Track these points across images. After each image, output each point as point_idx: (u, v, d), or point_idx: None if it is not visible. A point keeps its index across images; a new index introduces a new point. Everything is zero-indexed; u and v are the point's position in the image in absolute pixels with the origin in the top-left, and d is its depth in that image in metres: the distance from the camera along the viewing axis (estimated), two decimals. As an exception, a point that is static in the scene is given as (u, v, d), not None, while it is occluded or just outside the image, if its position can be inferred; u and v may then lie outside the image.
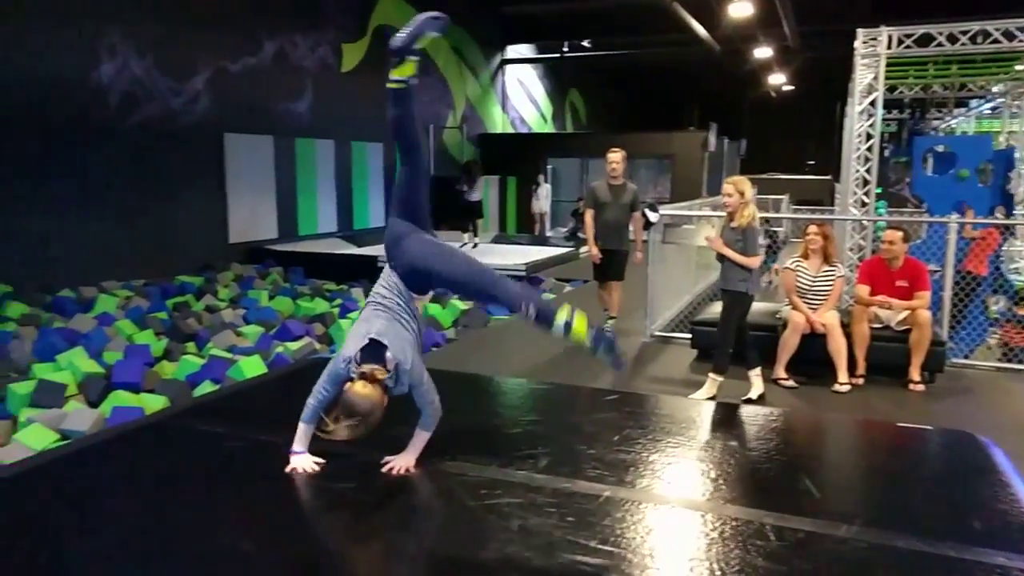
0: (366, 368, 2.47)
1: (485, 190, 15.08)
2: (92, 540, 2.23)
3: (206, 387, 5.53)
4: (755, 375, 4.86)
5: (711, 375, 4.84)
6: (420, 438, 2.68)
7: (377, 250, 11.55)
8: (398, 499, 2.57)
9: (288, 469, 2.63)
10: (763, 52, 19.23)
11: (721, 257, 4.78)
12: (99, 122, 9.55)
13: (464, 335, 7.43)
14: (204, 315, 8.01)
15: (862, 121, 7.40)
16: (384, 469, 2.63)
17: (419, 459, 2.68)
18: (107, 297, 8.50)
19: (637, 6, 16.21)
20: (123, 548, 2.19)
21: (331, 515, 2.51)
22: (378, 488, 2.54)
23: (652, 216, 6.10)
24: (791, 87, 26.62)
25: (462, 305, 8.59)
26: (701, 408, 3.78)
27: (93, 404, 5.31)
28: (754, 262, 4.65)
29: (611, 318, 6.53)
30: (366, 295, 3.12)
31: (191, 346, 6.90)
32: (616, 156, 6.30)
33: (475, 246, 11.88)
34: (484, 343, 6.73)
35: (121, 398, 5.22)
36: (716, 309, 5.29)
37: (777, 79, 24.31)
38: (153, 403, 5.17)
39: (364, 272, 10.27)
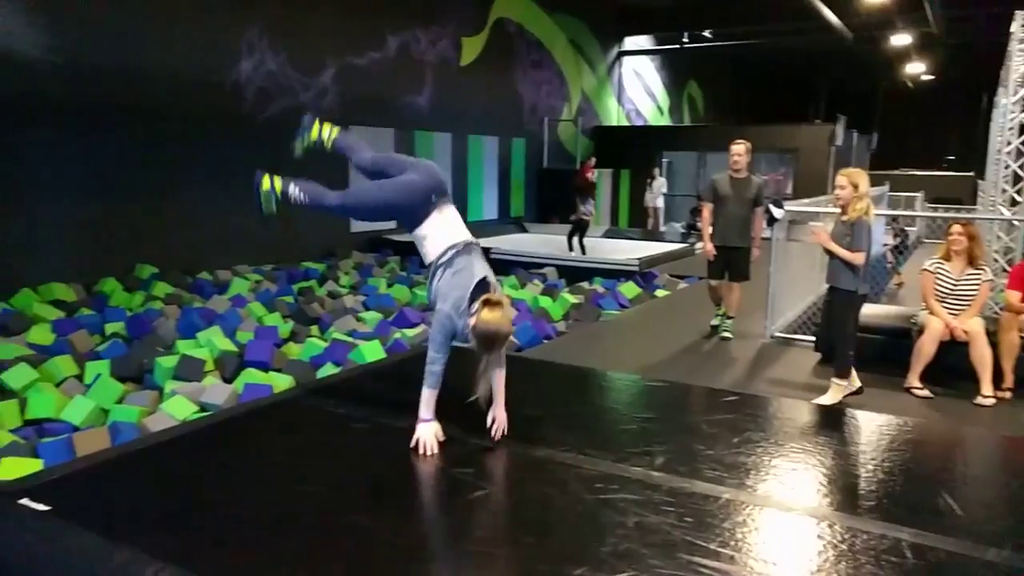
0: (489, 297, 2.65)
1: (599, 186, 14.95)
2: (230, 505, 2.38)
3: (328, 369, 5.79)
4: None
5: (834, 380, 4.60)
6: (500, 379, 2.84)
7: (490, 242, 11.68)
8: (515, 487, 2.60)
9: (413, 440, 2.73)
10: (901, 39, 18.03)
11: (829, 252, 4.57)
12: (237, 116, 10.18)
13: (574, 329, 7.41)
14: (327, 300, 8.40)
15: (1015, 112, 6.79)
16: (495, 435, 2.77)
17: (534, 447, 2.72)
18: (240, 280, 9.07)
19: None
20: (258, 514, 2.33)
21: (448, 499, 2.57)
22: (495, 474, 2.59)
23: (777, 212, 5.84)
24: (930, 76, 24.84)
25: (572, 299, 8.57)
26: (826, 414, 3.60)
27: (227, 380, 5.68)
28: (857, 258, 4.41)
29: (728, 317, 6.32)
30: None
31: (315, 329, 7.24)
32: (740, 148, 6.08)
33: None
34: (595, 337, 6.68)
35: (252, 375, 5.56)
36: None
37: (915, 68, 22.72)
38: (281, 382, 5.48)
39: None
